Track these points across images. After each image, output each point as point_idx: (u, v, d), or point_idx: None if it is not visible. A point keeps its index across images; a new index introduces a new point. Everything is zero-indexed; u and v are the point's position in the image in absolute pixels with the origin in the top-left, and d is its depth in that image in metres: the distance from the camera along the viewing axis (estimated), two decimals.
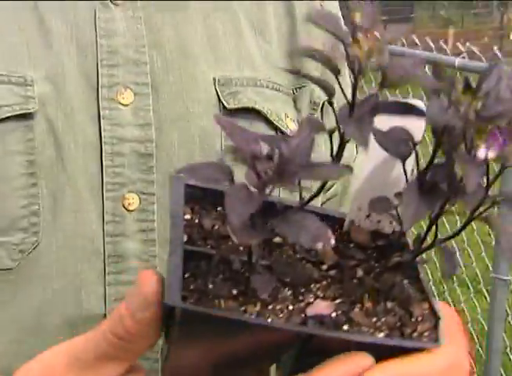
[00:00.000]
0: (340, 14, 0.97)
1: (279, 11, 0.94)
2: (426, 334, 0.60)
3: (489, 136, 0.54)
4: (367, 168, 0.65)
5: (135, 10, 0.86)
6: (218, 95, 0.87)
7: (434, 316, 0.61)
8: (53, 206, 0.81)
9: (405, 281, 0.63)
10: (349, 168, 0.52)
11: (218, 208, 0.66)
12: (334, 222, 0.67)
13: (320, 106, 0.96)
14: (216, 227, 0.64)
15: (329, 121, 0.90)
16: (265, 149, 0.51)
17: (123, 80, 0.84)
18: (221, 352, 0.58)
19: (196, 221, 0.64)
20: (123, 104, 0.84)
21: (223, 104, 0.87)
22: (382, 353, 0.58)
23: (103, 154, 0.83)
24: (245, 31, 0.91)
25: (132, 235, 0.83)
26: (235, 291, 0.59)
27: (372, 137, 0.63)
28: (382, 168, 0.64)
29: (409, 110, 0.61)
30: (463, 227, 0.58)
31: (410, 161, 0.64)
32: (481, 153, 0.54)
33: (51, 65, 0.83)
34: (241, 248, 0.62)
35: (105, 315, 0.82)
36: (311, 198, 0.57)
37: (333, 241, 0.52)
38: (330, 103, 0.58)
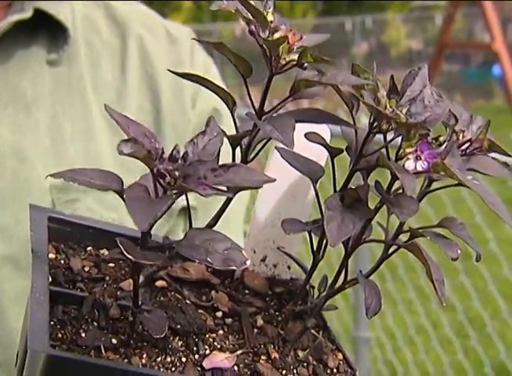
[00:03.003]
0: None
1: (145, 105, 0.85)
2: None
3: (418, 146, 0.47)
4: (264, 202, 0.57)
5: None
6: (54, 204, 0.77)
7: (350, 368, 0.52)
8: None
9: (313, 330, 0.54)
10: (271, 178, 0.42)
11: (88, 248, 0.55)
12: None
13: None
14: (87, 269, 0.53)
15: None
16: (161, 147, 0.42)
17: None
18: None
19: (62, 261, 0.53)
20: None
21: None
22: None
23: None
24: (98, 129, 0.81)
25: None
26: (114, 341, 0.47)
27: (273, 162, 0.55)
28: (282, 198, 0.56)
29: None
30: (388, 256, 0.50)
31: (311, 192, 0.57)
32: (410, 164, 0.47)
33: None
34: (119, 292, 0.51)
35: None
36: (219, 216, 0.47)
37: (248, 262, 0.42)
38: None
